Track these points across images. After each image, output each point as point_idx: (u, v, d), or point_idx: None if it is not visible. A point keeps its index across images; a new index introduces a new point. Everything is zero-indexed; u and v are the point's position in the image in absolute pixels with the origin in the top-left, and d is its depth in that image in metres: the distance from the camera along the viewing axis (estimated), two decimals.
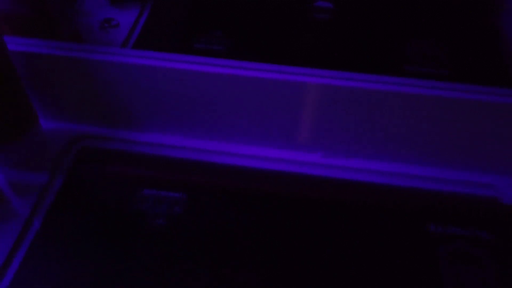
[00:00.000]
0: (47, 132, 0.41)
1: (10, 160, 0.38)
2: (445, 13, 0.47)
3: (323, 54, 0.43)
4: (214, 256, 0.33)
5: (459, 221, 0.34)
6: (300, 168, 0.38)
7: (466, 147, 0.36)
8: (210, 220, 0.35)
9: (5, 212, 0.35)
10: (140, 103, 0.38)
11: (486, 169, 0.37)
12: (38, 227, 0.34)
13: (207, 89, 0.36)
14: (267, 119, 0.37)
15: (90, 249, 0.33)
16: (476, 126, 0.35)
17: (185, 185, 0.37)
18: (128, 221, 0.35)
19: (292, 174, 0.38)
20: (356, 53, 0.43)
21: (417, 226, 0.34)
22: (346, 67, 0.35)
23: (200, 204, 0.36)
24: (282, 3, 0.48)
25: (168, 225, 0.34)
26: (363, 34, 0.45)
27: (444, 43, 0.43)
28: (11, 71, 0.36)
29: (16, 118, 0.38)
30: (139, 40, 0.43)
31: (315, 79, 0.34)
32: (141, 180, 0.37)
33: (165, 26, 0.46)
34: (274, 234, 0.34)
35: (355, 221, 0.35)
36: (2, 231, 0.34)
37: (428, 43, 0.43)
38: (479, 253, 0.33)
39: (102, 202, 0.36)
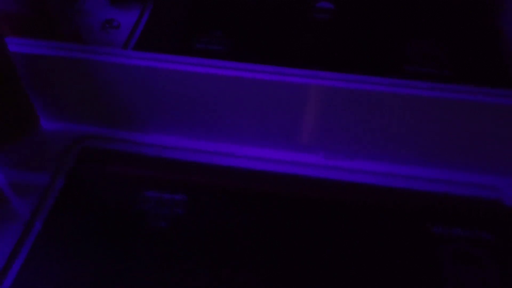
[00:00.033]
0: (48, 132, 0.40)
1: (11, 161, 0.38)
2: (445, 13, 0.47)
3: (323, 54, 0.43)
4: (215, 258, 0.33)
5: (461, 222, 0.34)
6: (301, 170, 0.38)
7: (468, 148, 0.36)
8: (211, 221, 0.35)
9: (6, 213, 0.35)
10: (141, 104, 0.38)
11: (488, 171, 0.37)
12: (39, 228, 0.34)
13: (208, 91, 0.36)
14: (268, 121, 0.37)
15: (91, 250, 0.33)
16: (478, 127, 0.35)
17: (186, 186, 0.37)
18: (129, 222, 0.35)
19: (293, 175, 0.38)
20: (356, 53, 0.43)
21: (419, 227, 0.34)
22: (346, 67, 0.35)
23: (201, 205, 0.36)
24: (282, 4, 0.48)
25: (169, 226, 0.34)
26: (364, 34, 0.45)
27: (444, 43, 0.43)
28: (11, 72, 0.36)
29: (17, 118, 0.38)
30: (140, 41, 0.43)
31: (316, 81, 0.34)
32: (142, 181, 0.37)
33: (166, 26, 0.46)
34: (275, 236, 0.34)
35: (357, 222, 0.35)
36: (4, 232, 0.34)
37: (428, 43, 0.43)
38: (481, 253, 0.33)
39: (103, 203, 0.36)
